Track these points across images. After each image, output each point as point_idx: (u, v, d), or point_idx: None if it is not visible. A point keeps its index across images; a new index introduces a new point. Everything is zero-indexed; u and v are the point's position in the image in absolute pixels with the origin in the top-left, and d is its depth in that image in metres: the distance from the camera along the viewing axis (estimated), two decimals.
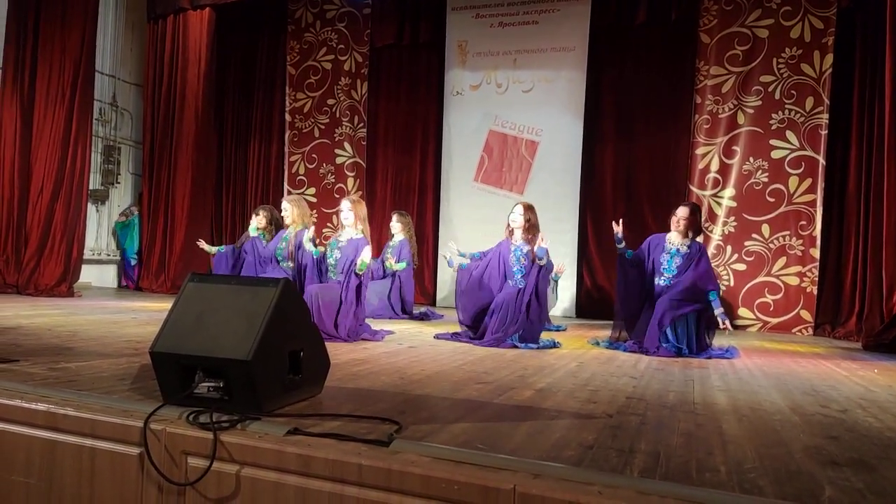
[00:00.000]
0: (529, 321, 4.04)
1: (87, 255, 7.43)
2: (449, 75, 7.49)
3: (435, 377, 2.69)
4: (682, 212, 4.27)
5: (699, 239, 4.36)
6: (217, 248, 5.95)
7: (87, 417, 1.75)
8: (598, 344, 4.28)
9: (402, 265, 6.04)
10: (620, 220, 4.29)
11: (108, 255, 8.12)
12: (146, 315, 4.78)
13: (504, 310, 4.03)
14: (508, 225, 4.33)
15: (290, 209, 5.12)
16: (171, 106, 7.83)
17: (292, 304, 1.98)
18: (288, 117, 8.19)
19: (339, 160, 7.87)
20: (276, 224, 5.58)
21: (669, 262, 4.22)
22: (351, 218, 4.27)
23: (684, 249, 4.22)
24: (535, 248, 4.10)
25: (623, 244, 4.26)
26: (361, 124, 7.90)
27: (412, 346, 3.72)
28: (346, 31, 7.96)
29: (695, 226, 4.28)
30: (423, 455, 1.52)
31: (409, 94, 7.86)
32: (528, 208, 4.30)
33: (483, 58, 7.34)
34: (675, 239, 4.26)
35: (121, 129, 8.19)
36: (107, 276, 8.13)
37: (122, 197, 8.24)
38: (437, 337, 4.25)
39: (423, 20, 7.66)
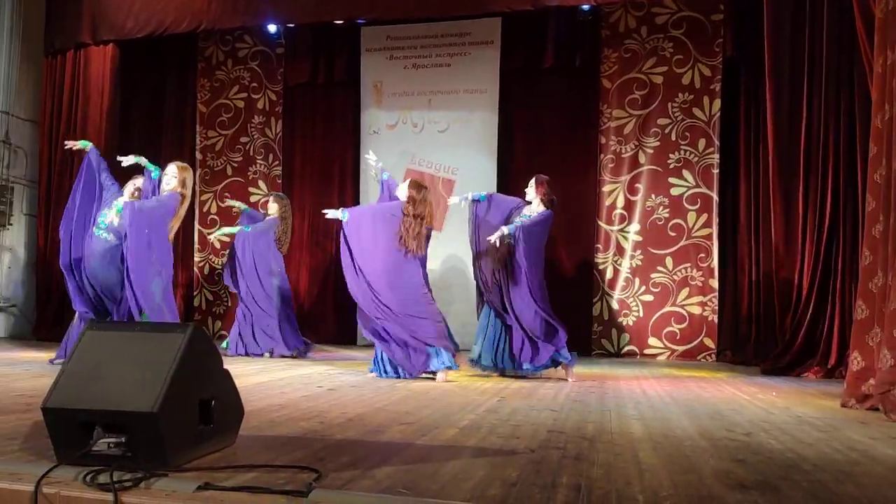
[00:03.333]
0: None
1: None
2: (365, 114, 7.53)
3: (357, 420, 2.63)
4: (536, 181, 4.63)
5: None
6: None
7: None
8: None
9: (247, 228, 5.85)
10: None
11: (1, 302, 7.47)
12: (40, 367, 4.40)
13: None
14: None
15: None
16: None
17: (202, 349, 1.89)
18: (199, 155, 7.93)
19: (253, 198, 7.66)
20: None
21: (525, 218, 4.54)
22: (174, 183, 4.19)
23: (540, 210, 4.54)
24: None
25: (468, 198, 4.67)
26: (276, 162, 7.77)
27: (332, 389, 3.63)
28: (258, 70, 7.86)
29: (550, 196, 4.61)
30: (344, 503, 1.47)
31: (325, 132, 7.82)
32: (415, 186, 4.52)
33: (398, 98, 7.45)
34: (535, 208, 4.58)
35: (14, 167, 7.65)
36: None
37: (15, 239, 7.66)
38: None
39: (338, 60, 7.68)
